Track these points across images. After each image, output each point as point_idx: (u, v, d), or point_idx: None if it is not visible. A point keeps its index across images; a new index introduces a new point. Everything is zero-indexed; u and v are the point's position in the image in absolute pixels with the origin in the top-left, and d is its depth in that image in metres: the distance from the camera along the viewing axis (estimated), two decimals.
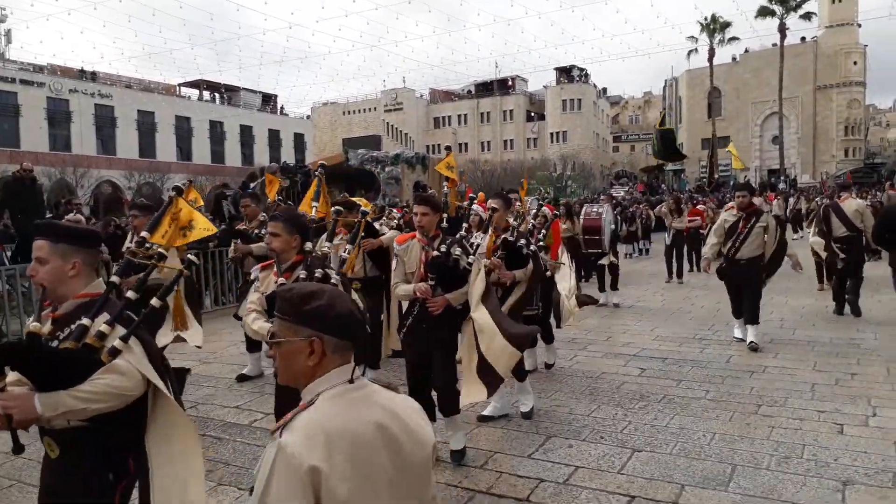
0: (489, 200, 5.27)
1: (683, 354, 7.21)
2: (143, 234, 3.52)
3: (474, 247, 4.80)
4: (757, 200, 15.06)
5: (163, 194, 41.09)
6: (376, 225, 6.72)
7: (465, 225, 4.82)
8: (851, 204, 9.19)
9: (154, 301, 2.75)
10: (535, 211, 6.35)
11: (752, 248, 7.26)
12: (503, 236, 5.10)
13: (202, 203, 7.98)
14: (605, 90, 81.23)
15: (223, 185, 19.12)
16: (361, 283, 5.82)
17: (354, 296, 3.42)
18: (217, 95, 52.76)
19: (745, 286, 7.39)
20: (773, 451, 4.44)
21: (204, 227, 4.24)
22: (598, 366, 6.84)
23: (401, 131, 74.25)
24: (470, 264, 4.28)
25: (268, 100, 56.36)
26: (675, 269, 13.31)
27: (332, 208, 4.19)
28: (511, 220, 5.34)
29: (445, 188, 8.50)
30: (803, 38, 59.38)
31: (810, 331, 8.21)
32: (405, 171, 26.06)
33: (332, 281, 3.23)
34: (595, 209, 10.75)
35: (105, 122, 42.37)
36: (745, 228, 7.26)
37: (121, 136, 42.98)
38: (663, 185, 52.69)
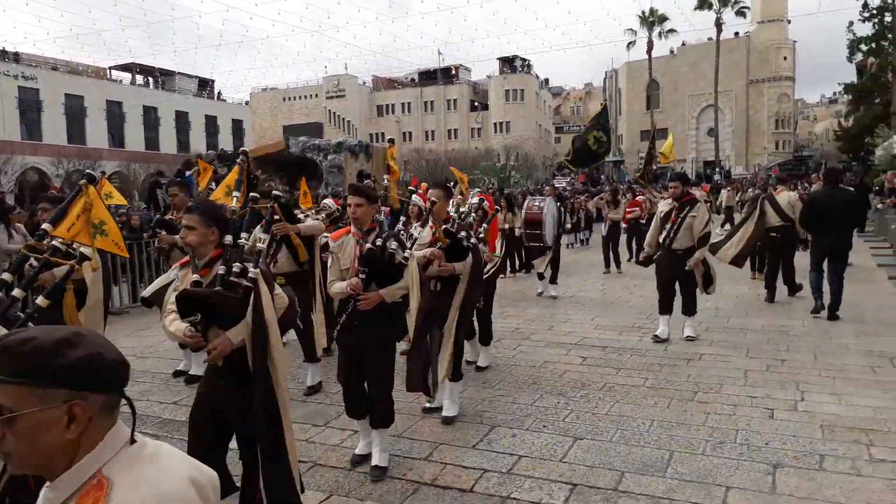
0: (430, 191, 5.15)
1: (623, 343, 7.36)
2: (45, 226, 3.38)
3: (412, 239, 4.67)
4: (697, 192, 15.51)
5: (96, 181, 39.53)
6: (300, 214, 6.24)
7: (402, 218, 4.68)
8: (785, 196, 9.74)
9: (40, 300, 2.66)
10: (475, 204, 6.13)
11: (687, 237, 7.29)
12: (444, 227, 4.95)
13: (119, 200, 7.55)
14: (547, 81, 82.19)
15: (158, 174, 18.55)
16: (286, 278, 5.56)
17: (279, 290, 3.26)
18: (151, 80, 50.93)
19: (682, 277, 7.39)
20: (708, 437, 4.58)
21: (116, 242, 4.09)
22: (540, 355, 6.92)
23: (343, 119, 73.38)
24: (406, 258, 4.09)
25: (204, 85, 54.71)
26: (612, 260, 13.53)
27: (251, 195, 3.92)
28: (451, 212, 5.18)
29: (386, 181, 8.13)
30: (737, 33, 61.39)
31: (743, 318, 8.50)
32: (348, 159, 25.74)
33: (251, 275, 3.04)
34: (537, 203, 10.74)
35: (30, 105, 40.32)
36: (677, 218, 7.31)
37: (47, 120, 40.99)
38: (603, 176, 53.77)
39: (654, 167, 37.60)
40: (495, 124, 70.97)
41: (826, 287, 8.46)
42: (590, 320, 8.69)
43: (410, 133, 74.33)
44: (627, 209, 14.04)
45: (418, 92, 75.74)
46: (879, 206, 17.81)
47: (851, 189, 11.49)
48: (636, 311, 9.26)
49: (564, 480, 3.99)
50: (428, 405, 5.21)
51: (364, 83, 77.38)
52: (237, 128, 54.10)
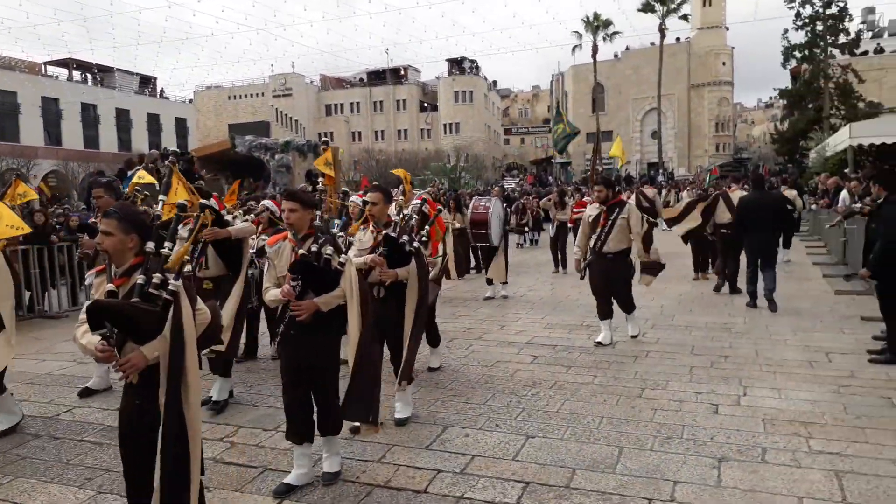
0: (368, 194, 4.99)
1: (572, 342, 7.47)
2: None
3: (348, 244, 4.47)
4: (650, 192, 15.78)
5: (28, 181, 37.98)
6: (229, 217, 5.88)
7: (337, 222, 4.47)
8: (737, 194, 10.38)
9: None
10: (417, 206, 5.75)
11: (617, 241, 7.12)
12: (384, 232, 4.79)
13: (34, 197, 7.25)
14: (495, 83, 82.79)
15: (98, 173, 17.94)
16: (214, 282, 5.46)
17: (201, 304, 3.02)
18: (89, 76, 49.21)
19: (615, 280, 7.27)
20: (656, 433, 4.68)
21: (10, 223, 3.96)
22: (492, 355, 6.96)
23: (291, 118, 72.33)
24: (342, 264, 3.90)
25: (146, 82, 53.16)
26: (560, 260, 13.68)
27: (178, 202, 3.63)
28: (393, 216, 5.00)
29: (321, 185, 7.67)
30: (678, 39, 63.06)
31: (688, 316, 8.73)
32: (296, 159, 25.41)
33: (171, 287, 2.84)
34: (483, 202, 10.80)
35: None
36: (606, 221, 7.14)
37: None
38: (551, 178, 54.48)
39: (601, 168, 38.29)
40: (445, 125, 71.12)
41: (761, 285, 9.02)
42: (540, 319, 8.79)
43: (360, 133, 73.85)
44: (574, 210, 14.21)
45: (367, 92, 75.30)
46: (813, 206, 18.54)
47: (776, 192, 12.14)
48: (584, 309, 9.38)
49: (517, 479, 4.02)
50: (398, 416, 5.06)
51: (312, 82, 76.48)
52: (181, 126, 52.72)
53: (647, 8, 53.57)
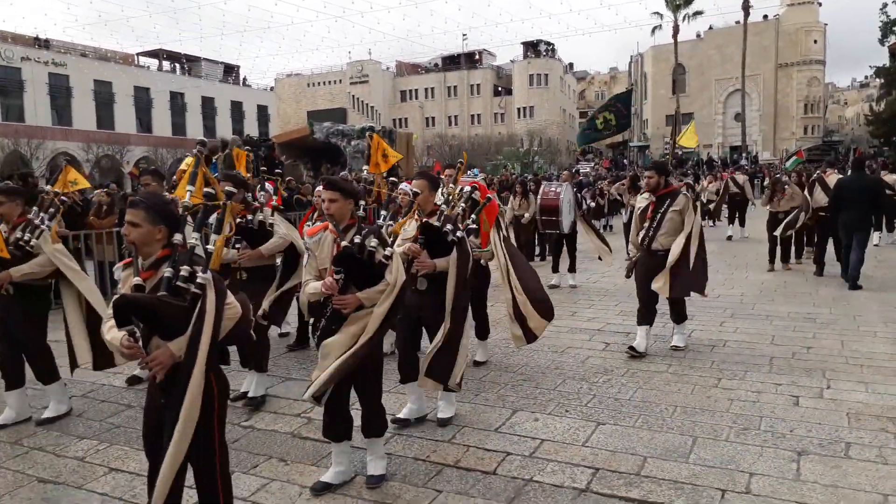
0: (413, 182, 4.73)
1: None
2: None
3: (393, 236, 4.16)
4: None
5: (122, 167, 40.13)
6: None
7: (383, 213, 4.14)
8: (834, 178, 10.66)
9: None
10: (466, 192, 5.25)
11: (667, 236, 6.21)
12: (426, 221, 4.51)
13: (85, 185, 7.58)
14: (571, 65, 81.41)
15: (181, 160, 18.77)
16: (248, 274, 5.30)
17: (231, 298, 2.87)
18: (177, 65, 51.39)
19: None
20: (732, 423, 4.57)
21: (73, 178, 4.27)
22: (563, 341, 6.93)
23: (367, 104, 73.44)
24: (388, 257, 3.67)
25: (230, 70, 55.12)
26: None
27: (221, 189, 3.56)
28: (440, 203, 4.66)
29: (365, 172, 6.68)
30: (765, 16, 60.17)
31: (769, 305, 8.42)
32: None
33: (200, 280, 2.75)
34: (553, 188, 10.33)
35: (60, 91, 40.97)
36: (655, 214, 6.29)
37: (77, 106, 41.65)
38: (626, 161, 53.26)
39: (679, 152, 37.08)
40: (519, 109, 70.52)
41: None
42: (613, 306, 8.67)
43: (434, 118, 74.18)
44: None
45: (442, 77, 75.46)
46: None
47: (874, 176, 12.40)
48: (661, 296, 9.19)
49: (587, 465, 4.02)
50: (398, 416, 4.72)
51: (388, 69, 77.27)
52: (262, 113, 54.46)
53: None
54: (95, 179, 31.73)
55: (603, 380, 5.59)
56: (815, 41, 60.83)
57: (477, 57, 76.02)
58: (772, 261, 11.16)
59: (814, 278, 10.30)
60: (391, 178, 6.08)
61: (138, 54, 50.27)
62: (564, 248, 10.43)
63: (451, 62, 76.12)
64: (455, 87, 74.88)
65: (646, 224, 6.32)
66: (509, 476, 3.91)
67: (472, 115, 74.21)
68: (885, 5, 35.55)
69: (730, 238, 16.02)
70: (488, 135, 63.68)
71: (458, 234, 4.43)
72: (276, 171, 15.44)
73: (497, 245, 5.64)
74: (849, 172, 11.29)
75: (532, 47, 71.14)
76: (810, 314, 7.81)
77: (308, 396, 3.64)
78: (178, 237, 2.90)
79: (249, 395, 5.22)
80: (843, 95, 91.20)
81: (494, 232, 5.75)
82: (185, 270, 2.75)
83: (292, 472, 4.03)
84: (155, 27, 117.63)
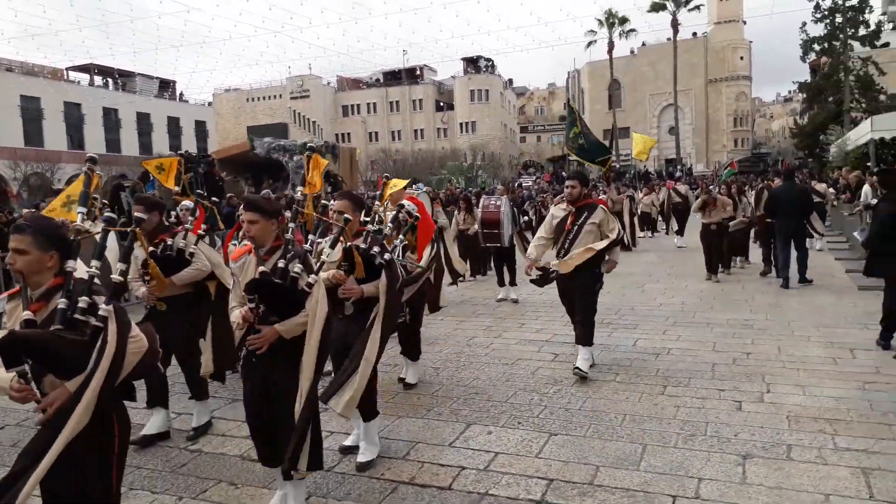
0: (334, 202, 4.32)
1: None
2: None
3: (320, 261, 3.71)
4: (615, 195, 15.93)
5: (53, 184, 38.55)
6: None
7: (311, 237, 3.82)
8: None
9: None
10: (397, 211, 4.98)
11: (584, 249, 5.90)
12: (350, 244, 4.12)
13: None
14: (511, 81, 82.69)
15: (120, 176, 18.19)
16: (168, 303, 4.82)
17: (136, 331, 2.62)
18: (110, 80, 49.83)
19: (579, 297, 6.06)
20: (679, 430, 4.67)
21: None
22: (512, 353, 6.98)
23: (308, 119, 72.74)
24: (311, 285, 3.38)
25: (165, 86, 53.71)
26: None
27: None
28: (374, 224, 4.46)
29: (300, 194, 5.64)
30: (695, 34, 62.62)
31: (709, 313, 8.68)
32: None
33: (101, 312, 2.49)
34: (493, 201, 10.14)
35: None
36: (572, 226, 5.97)
37: (2, 122, 39.86)
38: (564, 174, 54.30)
39: (618, 166, 37.94)
40: (461, 124, 71.18)
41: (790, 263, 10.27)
42: (560, 317, 8.72)
43: (377, 133, 74.11)
44: None
45: (384, 92, 75.54)
46: (835, 202, 18.32)
47: (802, 185, 13.46)
48: (603, 307, 9.33)
49: (541, 476, 4.04)
50: (346, 444, 4.58)
51: (329, 83, 76.90)
52: (200, 129, 53.23)
53: (656, 7, 53.12)
54: (24, 198, 30.41)
55: (553, 390, 5.65)
56: (742, 58, 63.70)
57: (418, 72, 76.47)
58: (710, 270, 11.39)
59: (750, 286, 10.69)
60: (322, 203, 5.01)
61: (68, 69, 48.51)
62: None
63: (393, 77, 76.33)
64: (397, 102, 75.06)
65: (562, 235, 6.05)
66: (465, 490, 3.89)
67: (416, 130, 74.47)
68: (804, 24, 37.45)
69: (680, 248, 16.62)
70: (432, 149, 63.99)
71: (387, 256, 4.17)
72: (217, 187, 15.13)
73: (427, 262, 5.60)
74: (776, 183, 12.20)
75: (472, 63, 72.04)
76: (748, 321, 8.09)
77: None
78: (71, 264, 2.61)
79: (193, 425, 4.94)
80: (769, 109, 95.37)
81: (429, 248, 5.68)
82: (83, 302, 2.49)
83: (243, 496, 3.93)
84: (84, 41, 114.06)
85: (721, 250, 11.59)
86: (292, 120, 70.33)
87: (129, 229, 3.14)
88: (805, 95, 41.15)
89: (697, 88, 63.54)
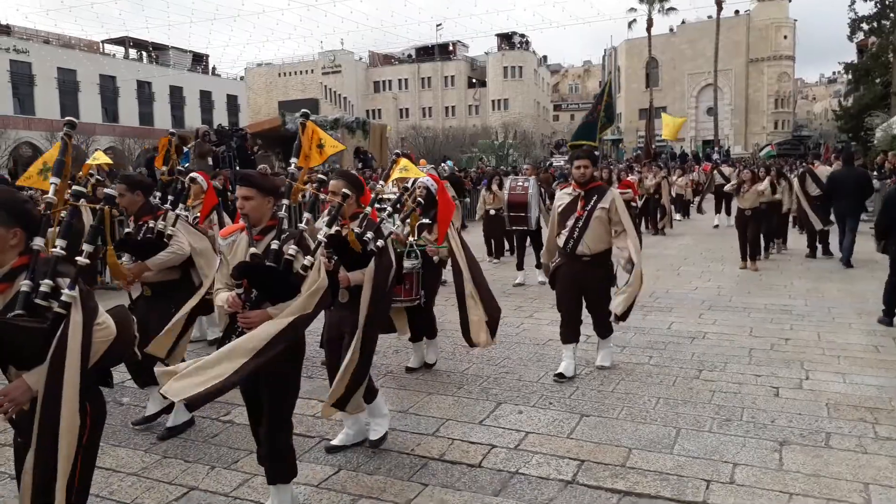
0: (331, 183, 4.07)
1: (627, 321, 7.32)
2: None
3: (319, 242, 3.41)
4: (634, 177, 15.61)
5: (87, 157, 39.23)
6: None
7: (307, 216, 3.46)
8: (822, 170, 12.19)
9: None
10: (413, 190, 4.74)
11: (596, 238, 5.31)
12: (335, 229, 3.71)
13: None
14: (545, 58, 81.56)
15: (153, 149, 18.36)
16: (153, 288, 4.57)
17: (104, 318, 2.42)
18: (144, 54, 50.32)
19: (590, 292, 5.50)
20: (714, 414, 4.59)
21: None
22: (544, 333, 6.92)
23: (340, 95, 72.78)
24: (307, 267, 3.12)
25: (199, 59, 54.10)
26: None
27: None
28: (370, 206, 4.16)
29: (294, 165, 4.27)
30: (737, 11, 60.88)
31: (746, 298, 8.50)
32: (345, 136, 25.59)
33: (64, 297, 2.27)
34: (520, 183, 9.81)
35: (22, 79, 39.81)
36: (583, 212, 5.31)
37: (40, 94, 40.53)
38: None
39: (654, 146, 37.33)
40: (493, 101, 70.53)
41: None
42: None
43: (407, 110, 73.85)
44: (619, 190, 13.34)
45: (415, 68, 75.08)
46: (878, 187, 17.80)
47: (861, 168, 13.52)
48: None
49: (572, 457, 4.00)
50: (333, 443, 4.25)
51: (360, 59, 76.64)
52: (232, 103, 53.62)
53: None
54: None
55: (585, 372, 5.59)
56: (785, 37, 61.82)
57: (451, 48, 75.76)
58: (744, 258, 10.84)
59: (789, 270, 10.46)
60: (320, 178, 4.36)
61: (104, 42, 49.11)
62: (529, 245, 10.04)
63: (425, 53, 75.76)
64: (429, 78, 74.58)
65: (569, 224, 5.35)
66: (495, 469, 3.87)
67: (447, 107, 74.01)
68: (853, 1, 36.09)
69: (716, 227, 16.64)
70: (463, 127, 63.54)
71: (380, 242, 3.88)
72: (250, 160, 15.21)
73: (455, 242, 5.31)
74: (835, 166, 12.60)
75: (506, 39, 71.12)
76: (786, 306, 7.90)
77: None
78: (38, 242, 2.39)
79: (168, 425, 4.46)
80: (811, 91, 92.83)
81: (452, 228, 5.35)
82: (46, 285, 2.27)
83: None
84: (120, 14, 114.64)
85: (757, 237, 11.00)
86: (323, 95, 70.51)
87: (98, 206, 2.82)
88: (850, 76, 39.82)
89: (738, 68, 61.92)
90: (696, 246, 13.77)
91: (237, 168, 14.31)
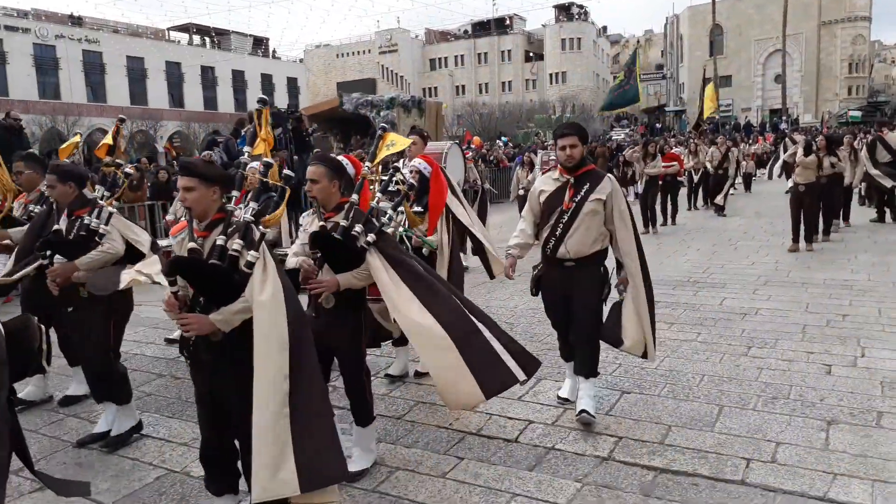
0: (308, 168, 3.51)
1: (677, 297, 7.22)
2: None
3: (261, 235, 2.93)
4: (680, 150, 14.85)
5: (156, 142, 40.69)
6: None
7: (249, 203, 3.16)
8: (892, 136, 11.90)
9: None
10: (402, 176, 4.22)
11: (584, 239, 4.10)
12: (321, 224, 3.44)
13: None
14: (605, 28, 79.54)
15: (214, 133, 18.91)
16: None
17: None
18: (207, 39, 51.62)
19: (578, 306, 4.18)
20: (760, 392, 4.49)
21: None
22: None
23: (396, 74, 73.00)
24: (251, 264, 2.78)
25: (259, 43, 55.14)
26: (650, 218, 12.21)
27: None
28: (357, 195, 3.51)
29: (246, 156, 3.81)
30: None
31: (804, 272, 8.22)
32: (401, 115, 25.70)
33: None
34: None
35: (94, 68, 41.56)
36: (571, 204, 4.10)
37: (110, 82, 42.24)
38: (658, 126, 52.19)
39: (717, 117, 36.10)
40: (551, 75, 69.38)
41: None
42: None
43: (464, 86, 73.46)
44: (664, 164, 12.51)
45: (472, 44, 74.46)
46: None
47: None
48: (690, 265, 9.05)
49: (610, 433, 4.00)
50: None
51: (417, 37, 76.54)
52: (292, 86, 54.55)
53: None
54: (132, 155, 32.24)
55: None
56: None
57: (507, 22, 74.76)
58: (795, 239, 9.82)
59: (853, 244, 10.03)
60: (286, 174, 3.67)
61: (169, 29, 50.63)
62: None
63: (481, 28, 75.01)
64: (485, 53, 73.87)
65: (552, 218, 4.16)
66: (531, 444, 3.91)
67: (503, 83, 73.24)
68: None
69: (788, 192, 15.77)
70: (519, 102, 62.82)
71: (370, 237, 3.37)
72: (305, 142, 15.46)
73: (443, 235, 4.81)
74: None
75: (564, 10, 69.68)
76: (847, 281, 7.60)
77: None
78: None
79: (112, 433, 4.16)
80: (890, 53, 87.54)
81: (443, 219, 4.79)
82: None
83: None
84: (183, 1, 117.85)
85: (814, 215, 9.90)
86: (381, 75, 70.87)
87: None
88: None
89: (809, 31, 58.88)
90: (756, 220, 13.33)
91: (293, 150, 14.58)
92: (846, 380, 4.63)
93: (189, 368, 3.11)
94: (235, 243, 2.81)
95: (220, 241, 2.83)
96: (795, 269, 8.46)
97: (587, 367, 4.20)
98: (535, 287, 4.41)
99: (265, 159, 3.71)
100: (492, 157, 22.29)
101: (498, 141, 22.87)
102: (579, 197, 4.09)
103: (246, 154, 3.52)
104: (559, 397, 4.53)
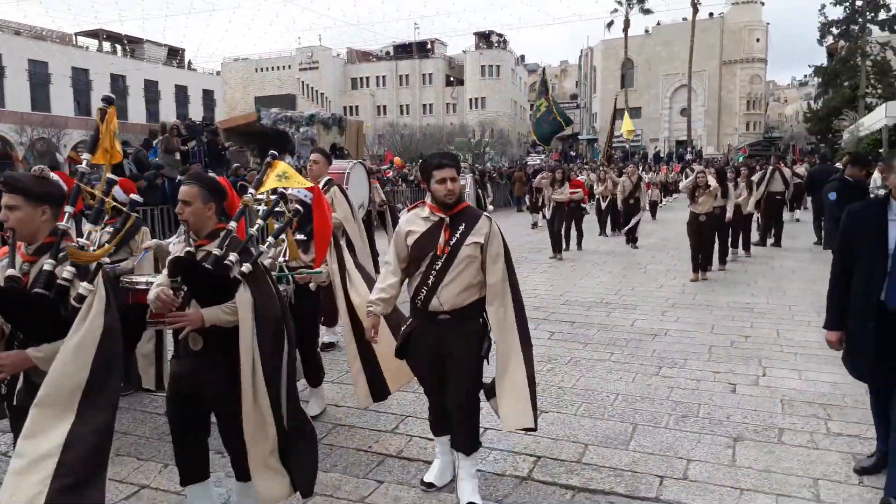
0: (181, 188, 3.07)
1: (591, 318, 7.42)
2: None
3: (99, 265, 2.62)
4: (583, 178, 15.61)
5: (59, 150, 38.58)
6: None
7: (89, 227, 2.93)
8: (786, 170, 14.24)
9: None
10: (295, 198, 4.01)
11: (459, 289, 3.38)
12: (188, 251, 3.04)
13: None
14: (523, 57, 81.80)
15: (124, 143, 18.08)
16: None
17: None
18: (118, 47, 49.60)
19: (454, 366, 3.44)
20: (671, 411, 4.64)
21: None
22: None
23: (317, 91, 72.29)
24: (82, 297, 2.48)
25: (174, 53, 53.46)
26: (558, 244, 12.32)
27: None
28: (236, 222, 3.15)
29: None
30: (711, 14, 61.65)
31: (710, 296, 8.62)
32: (321, 132, 25.42)
33: None
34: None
35: None
36: (446, 248, 3.36)
37: (10, 86, 39.78)
38: (572, 153, 53.96)
39: (627, 145, 37.55)
40: (471, 100, 70.58)
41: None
42: (558, 296, 8.74)
43: (385, 107, 73.59)
44: (570, 189, 12.78)
45: (394, 65, 74.85)
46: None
47: (836, 166, 14.88)
48: (602, 287, 9.33)
49: (529, 452, 4.03)
50: None
51: (338, 55, 76.25)
52: (208, 98, 53.02)
53: None
54: (30, 163, 30.45)
55: (546, 368, 5.62)
56: (758, 40, 62.67)
57: (429, 46, 75.68)
58: (695, 269, 9.77)
59: (753, 269, 10.62)
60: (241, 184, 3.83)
61: (77, 34, 48.30)
62: None
63: (403, 51, 75.57)
64: (407, 75, 74.40)
65: (423, 264, 3.41)
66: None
67: (424, 105, 73.90)
68: (823, 6, 36.80)
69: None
70: (440, 125, 63.48)
71: (245, 267, 2.94)
72: (220, 156, 15.04)
73: (333, 266, 4.40)
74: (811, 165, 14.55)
75: (484, 38, 71.24)
76: (748, 304, 8.02)
77: None
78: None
79: None
80: (783, 93, 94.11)
81: (332, 249, 4.41)
82: None
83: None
84: (93, 6, 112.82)
85: (711, 244, 9.96)
86: (301, 91, 69.99)
87: None
88: (820, 79, 40.62)
89: (712, 70, 62.64)
90: (664, 246, 13.91)
91: (207, 164, 14.16)
92: (750, 398, 4.87)
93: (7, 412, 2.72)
94: (66, 271, 2.50)
95: (47, 267, 2.50)
96: (701, 292, 8.87)
97: (469, 440, 3.49)
98: (400, 348, 3.61)
99: (108, 175, 3.17)
100: (412, 178, 22.39)
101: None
102: (454, 240, 3.37)
103: (85, 162, 3.03)
104: (423, 482, 3.67)
